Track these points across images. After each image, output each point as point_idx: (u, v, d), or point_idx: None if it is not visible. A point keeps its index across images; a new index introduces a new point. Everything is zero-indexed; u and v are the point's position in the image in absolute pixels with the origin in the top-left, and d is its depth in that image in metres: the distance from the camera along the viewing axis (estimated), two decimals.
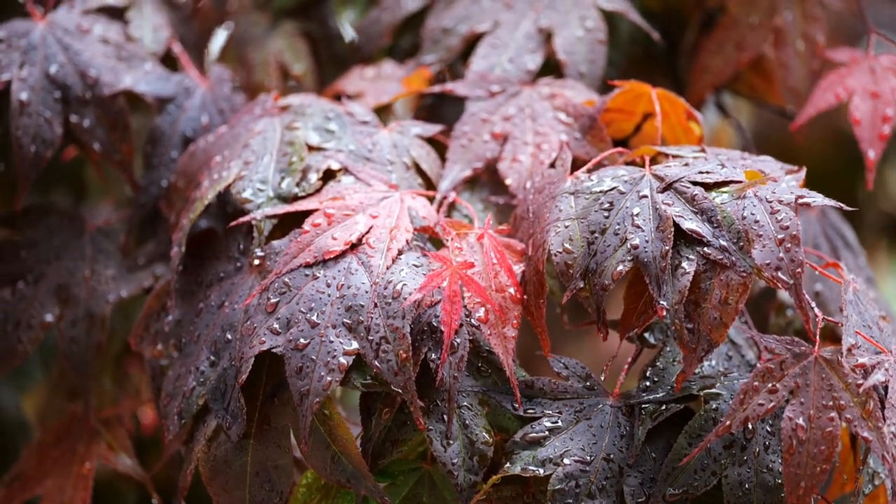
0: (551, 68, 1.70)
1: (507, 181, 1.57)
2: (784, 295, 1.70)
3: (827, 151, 2.73)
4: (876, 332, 1.42)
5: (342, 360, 1.40)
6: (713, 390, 1.43)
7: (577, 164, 1.52)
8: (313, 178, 1.53)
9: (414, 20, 1.79)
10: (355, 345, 1.40)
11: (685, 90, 1.82)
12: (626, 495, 1.40)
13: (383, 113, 1.69)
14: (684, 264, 1.38)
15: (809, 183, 1.46)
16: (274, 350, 1.42)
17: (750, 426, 1.41)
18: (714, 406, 1.42)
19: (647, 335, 1.51)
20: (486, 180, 1.59)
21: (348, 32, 1.88)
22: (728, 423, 1.35)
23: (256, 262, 1.49)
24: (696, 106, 1.63)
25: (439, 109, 1.70)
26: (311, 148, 1.56)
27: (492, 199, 1.57)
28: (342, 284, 1.43)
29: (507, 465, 1.41)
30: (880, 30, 1.79)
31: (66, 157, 1.79)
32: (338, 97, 1.68)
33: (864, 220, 2.94)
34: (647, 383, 1.47)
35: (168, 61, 1.70)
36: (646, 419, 1.42)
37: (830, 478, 1.59)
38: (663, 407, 1.43)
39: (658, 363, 1.48)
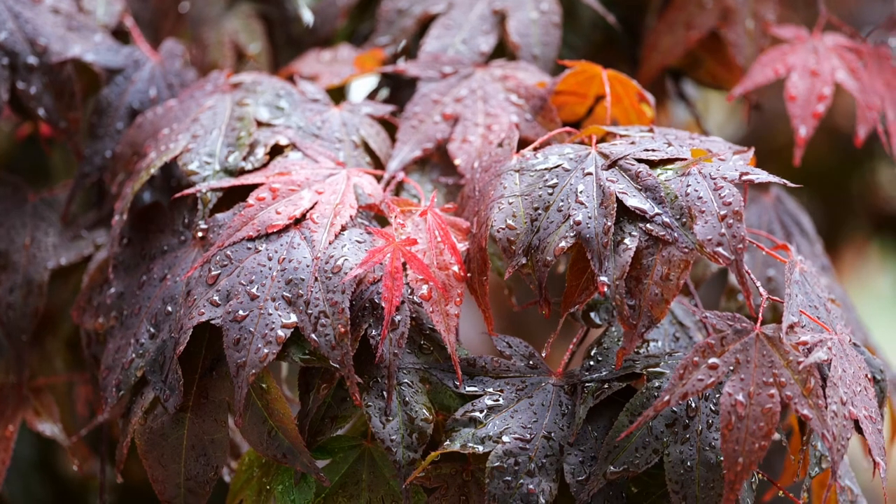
0: (505, 51, 1.69)
1: (456, 161, 1.55)
2: (736, 279, 1.68)
3: (820, 149, 2.71)
4: (822, 312, 1.41)
5: (280, 332, 1.39)
6: (656, 369, 1.41)
7: (527, 145, 1.51)
8: (261, 152, 1.52)
9: (372, 4, 1.78)
10: (294, 318, 1.39)
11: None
12: (566, 473, 1.38)
13: (337, 95, 1.68)
14: (626, 240, 1.37)
15: (803, 180, 1.45)
16: (213, 321, 1.40)
17: (693, 404, 1.39)
18: (657, 384, 1.40)
19: (592, 315, 1.50)
20: (437, 161, 1.58)
21: (306, 14, 1.87)
22: (667, 397, 1.33)
23: (200, 234, 1.48)
24: (647, 87, 1.62)
25: (396, 91, 1.70)
26: (260, 123, 1.55)
27: (441, 180, 1.56)
28: (284, 258, 1.42)
29: (447, 442, 1.39)
30: (874, 26, 1.79)
31: (20, 136, 1.79)
32: (292, 79, 1.68)
33: (856, 216, 2.93)
34: (591, 362, 1.45)
35: (121, 36, 1.69)
36: (587, 397, 1.41)
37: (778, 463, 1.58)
38: (605, 385, 1.41)
39: (603, 342, 1.47)
